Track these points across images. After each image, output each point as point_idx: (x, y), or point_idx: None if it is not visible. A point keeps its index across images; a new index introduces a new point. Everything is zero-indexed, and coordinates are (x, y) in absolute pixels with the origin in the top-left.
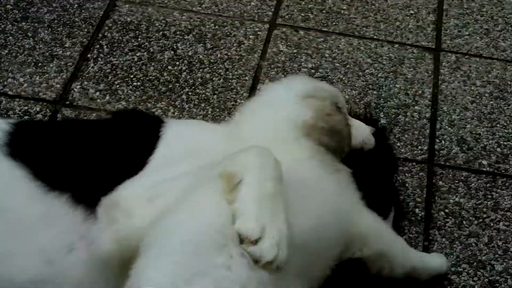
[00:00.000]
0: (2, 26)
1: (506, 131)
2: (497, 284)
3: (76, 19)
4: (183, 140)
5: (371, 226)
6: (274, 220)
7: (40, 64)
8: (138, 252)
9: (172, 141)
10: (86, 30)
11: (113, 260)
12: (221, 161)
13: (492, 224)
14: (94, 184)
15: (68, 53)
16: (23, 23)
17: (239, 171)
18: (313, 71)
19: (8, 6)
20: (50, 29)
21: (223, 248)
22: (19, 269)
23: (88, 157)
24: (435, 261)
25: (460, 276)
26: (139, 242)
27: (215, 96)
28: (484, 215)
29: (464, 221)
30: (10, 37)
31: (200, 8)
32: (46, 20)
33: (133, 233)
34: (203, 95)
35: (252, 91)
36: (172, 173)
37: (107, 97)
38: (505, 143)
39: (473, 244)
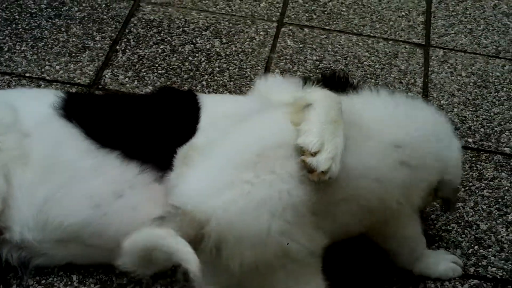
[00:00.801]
0: (38, 22)
1: (489, 114)
2: (482, 241)
3: (104, 16)
4: (223, 106)
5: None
6: (333, 140)
7: (73, 54)
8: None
9: (213, 108)
10: (114, 26)
11: None
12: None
13: (477, 191)
14: (145, 145)
15: (98, 45)
16: (57, 20)
17: (308, 99)
18: (317, 62)
19: (42, 5)
20: (81, 25)
21: (254, 166)
22: (69, 212)
23: (136, 122)
24: (438, 267)
25: (450, 233)
26: None
27: (231, 83)
28: (470, 184)
29: None
30: (46, 32)
31: (215, 8)
32: (77, 17)
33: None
34: (221, 82)
35: None
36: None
37: (135, 82)
38: (487, 124)
39: (460, 207)
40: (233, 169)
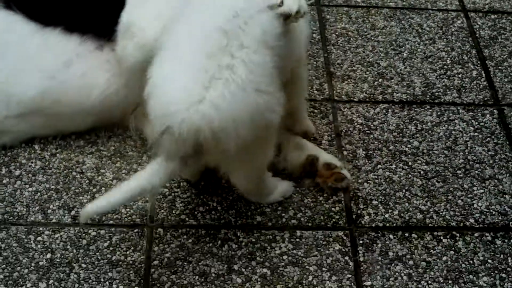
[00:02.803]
0: None
1: None
2: (385, 75)
3: None
4: None
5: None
6: None
7: None
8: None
9: None
10: None
11: (137, 67)
12: None
13: (373, 38)
14: (83, 18)
15: None
16: None
17: None
18: None
19: None
20: None
21: (225, 47)
22: (28, 87)
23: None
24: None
25: (356, 72)
26: (155, 51)
27: None
28: (366, 33)
29: (351, 39)
30: None
31: None
32: None
33: (149, 43)
34: None
35: None
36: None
37: None
38: None
39: (361, 52)
40: (207, 59)
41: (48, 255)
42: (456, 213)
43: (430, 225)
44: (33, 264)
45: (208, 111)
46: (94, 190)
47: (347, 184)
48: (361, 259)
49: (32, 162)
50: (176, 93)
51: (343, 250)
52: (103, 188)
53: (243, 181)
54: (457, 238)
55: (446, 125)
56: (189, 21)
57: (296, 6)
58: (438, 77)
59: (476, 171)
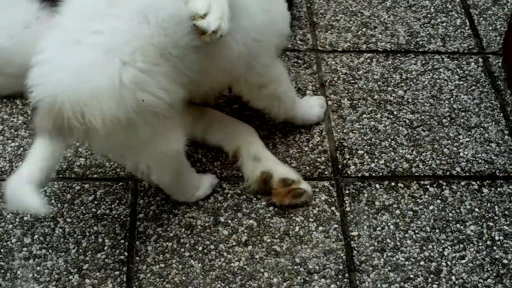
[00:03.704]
0: None
1: None
2: (368, 24)
3: None
4: None
5: (281, 68)
6: (218, 1)
7: None
8: None
9: None
10: None
11: None
12: None
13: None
14: None
15: None
16: None
17: None
18: None
19: None
20: None
21: (103, 16)
22: None
23: None
24: (314, 111)
25: (339, 22)
26: None
27: None
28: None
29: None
30: None
31: None
32: None
33: None
34: None
35: None
36: None
37: None
38: None
39: (344, 1)
40: (79, 23)
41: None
42: (442, 162)
43: (416, 174)
44: (17, 220)
45: (66, 79)
46: (77, 143)
47: (307, 197)
48: (348, 209)
49: (14, 117)
50: (40, 61)
51: (330, 200)
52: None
53: (158, 177)
54: (444, 187)
55: (430, 74)
56: None
57: (217, 24)
58: (422, 25)
59: (462, 120)
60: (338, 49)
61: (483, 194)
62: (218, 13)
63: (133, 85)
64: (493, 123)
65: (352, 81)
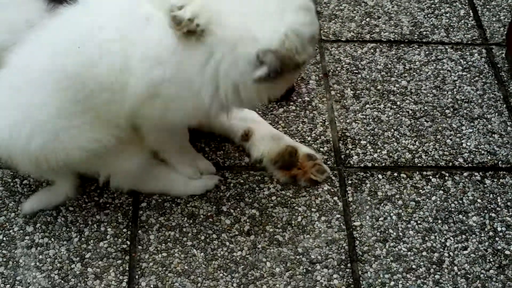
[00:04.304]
0: None
1: None
2: (372, 14)
3: None
4: None
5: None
6: None
7: None
8: None
9: None
10: None
11: None
12: None
13: None
14: None
15: None
16: None
17: None
18: None
19: None
20: None
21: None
22: None
23: None
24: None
25: (343, 11)
26: None
27: None
28: None
29: None
30: None
31: None
32: None
33: None
34: None
35: None
36: None
37: None
38: None
39: None
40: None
41: None
42: (445, 152)
43: (419, 164)
44: (19, 208)
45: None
46: None
47: (327, 177)
48: (350, 199)
49: None
50: None
51: (332, 190)
52: None
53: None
54: (446, 178)
55: (434, 65)
56: None
57: (190, 15)
58: (425, 16)
59: (465, 111)
60: (342, 39)
61: (485, 185)
62: (196, 6)
63: (40, 149)
64: (496, 114)
65: (355, 71)
